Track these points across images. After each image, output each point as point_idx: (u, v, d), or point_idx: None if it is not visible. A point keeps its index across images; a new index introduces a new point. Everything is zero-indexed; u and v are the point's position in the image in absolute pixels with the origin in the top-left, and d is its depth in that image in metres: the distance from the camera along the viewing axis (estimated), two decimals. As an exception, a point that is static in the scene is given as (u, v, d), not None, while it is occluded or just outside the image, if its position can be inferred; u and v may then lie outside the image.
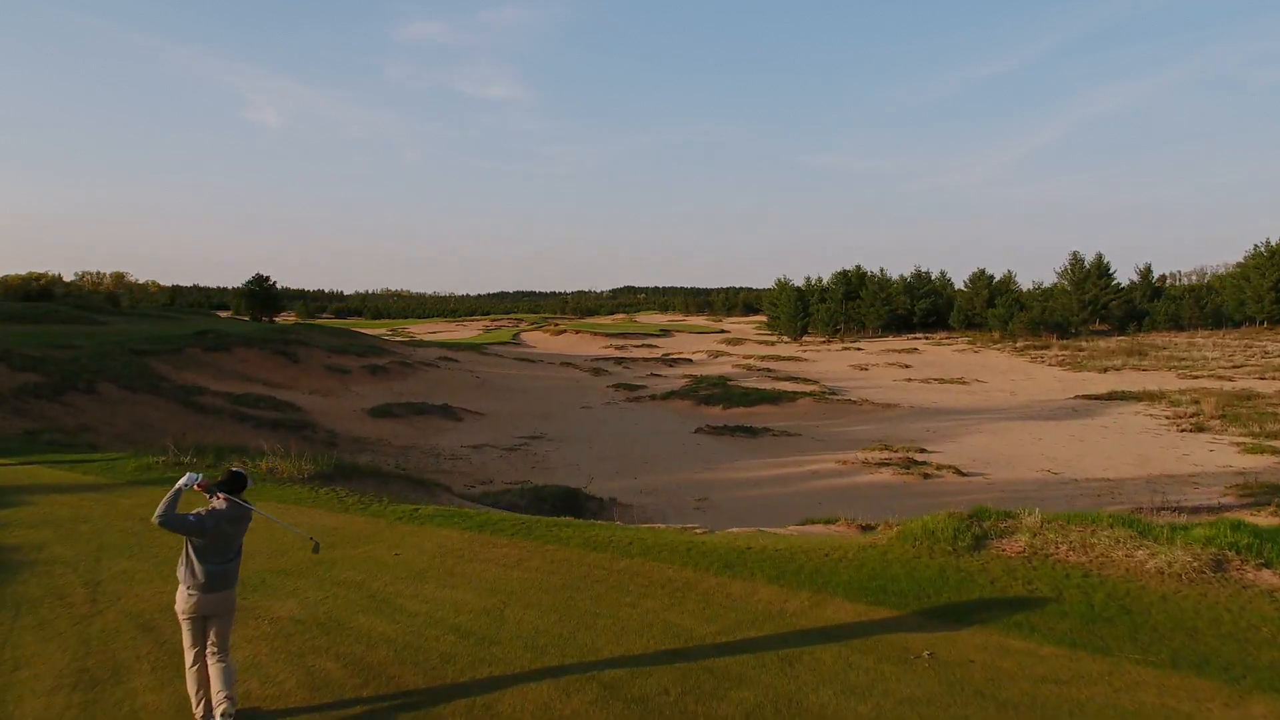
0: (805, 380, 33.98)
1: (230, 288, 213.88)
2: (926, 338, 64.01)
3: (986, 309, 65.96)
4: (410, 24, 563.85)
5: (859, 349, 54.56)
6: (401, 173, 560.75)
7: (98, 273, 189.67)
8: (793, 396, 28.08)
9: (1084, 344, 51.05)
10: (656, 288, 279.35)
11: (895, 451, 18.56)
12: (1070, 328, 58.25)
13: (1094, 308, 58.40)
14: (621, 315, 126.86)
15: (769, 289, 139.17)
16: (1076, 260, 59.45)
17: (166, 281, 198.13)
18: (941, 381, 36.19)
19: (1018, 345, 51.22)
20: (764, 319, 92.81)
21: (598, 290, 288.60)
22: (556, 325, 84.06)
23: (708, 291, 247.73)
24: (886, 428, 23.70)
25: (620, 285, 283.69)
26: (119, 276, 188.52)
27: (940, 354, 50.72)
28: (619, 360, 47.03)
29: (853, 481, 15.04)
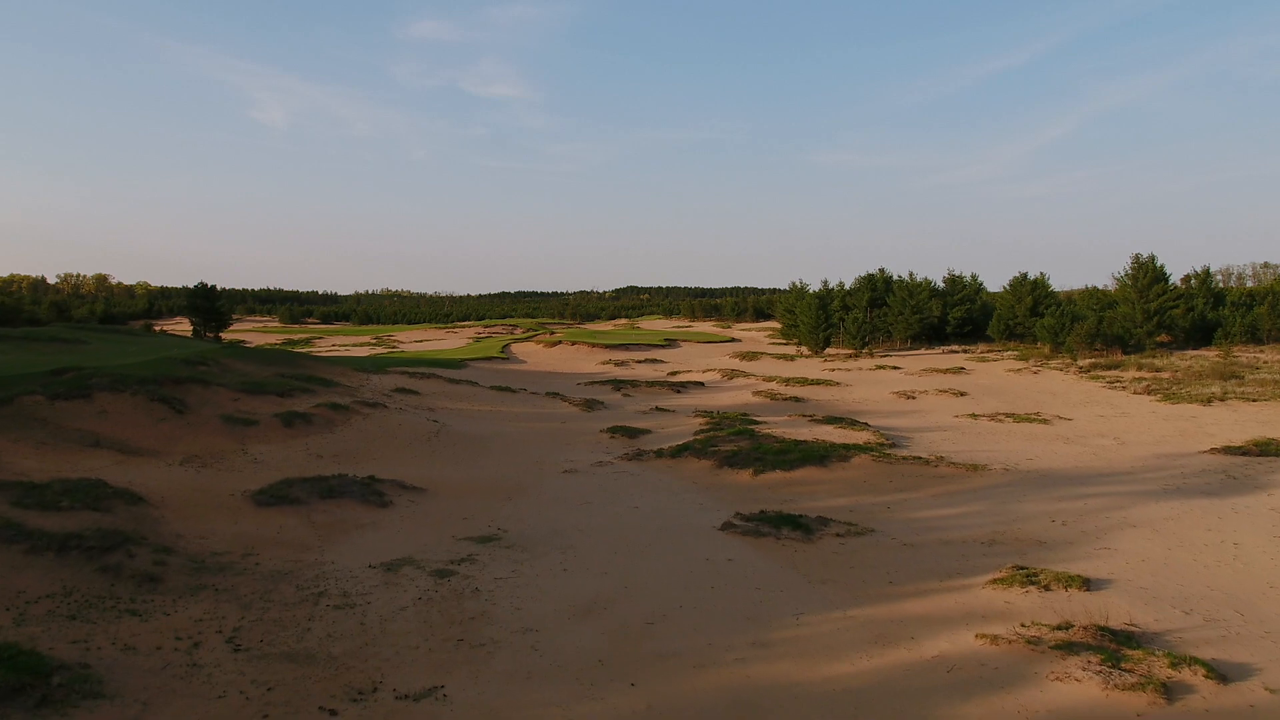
0: (850, 421, 27.04)
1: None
2: (965, 351, 57.10)
3: (1031, 318, 59.16)
4: (417, 22, 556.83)
5: (896, 368, 47.56)
6: (408, 172, 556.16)
7: (78, 274, 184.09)
8: (844, 453, 21.17)
9: (1157, 362, 44.04)
10: (660, 287, 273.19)
11: (1047, 588, 11.66)
12: (1131, 341, 51.26)
13: (1159, 318, 51.36)
14: (623, 320, 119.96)
15: (782, 291, 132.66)
16: (1140, 263, 52.38)
17: (164, 283, 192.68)
18: (1016, 419, 29.22)
19: (1081, 364, 44.21)
20: (777, 325, 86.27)
21: (600, 290, 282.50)
22: (551, 334, 77.22)
23: (713, 292, 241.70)
24: (989, 511, 16.81)
25: (623, 285, 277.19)
26: (101, 278, 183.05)
27: (993, 374, 43.73)
28: (617, 384, 40.10)
29: (1037, 710, 8.12)
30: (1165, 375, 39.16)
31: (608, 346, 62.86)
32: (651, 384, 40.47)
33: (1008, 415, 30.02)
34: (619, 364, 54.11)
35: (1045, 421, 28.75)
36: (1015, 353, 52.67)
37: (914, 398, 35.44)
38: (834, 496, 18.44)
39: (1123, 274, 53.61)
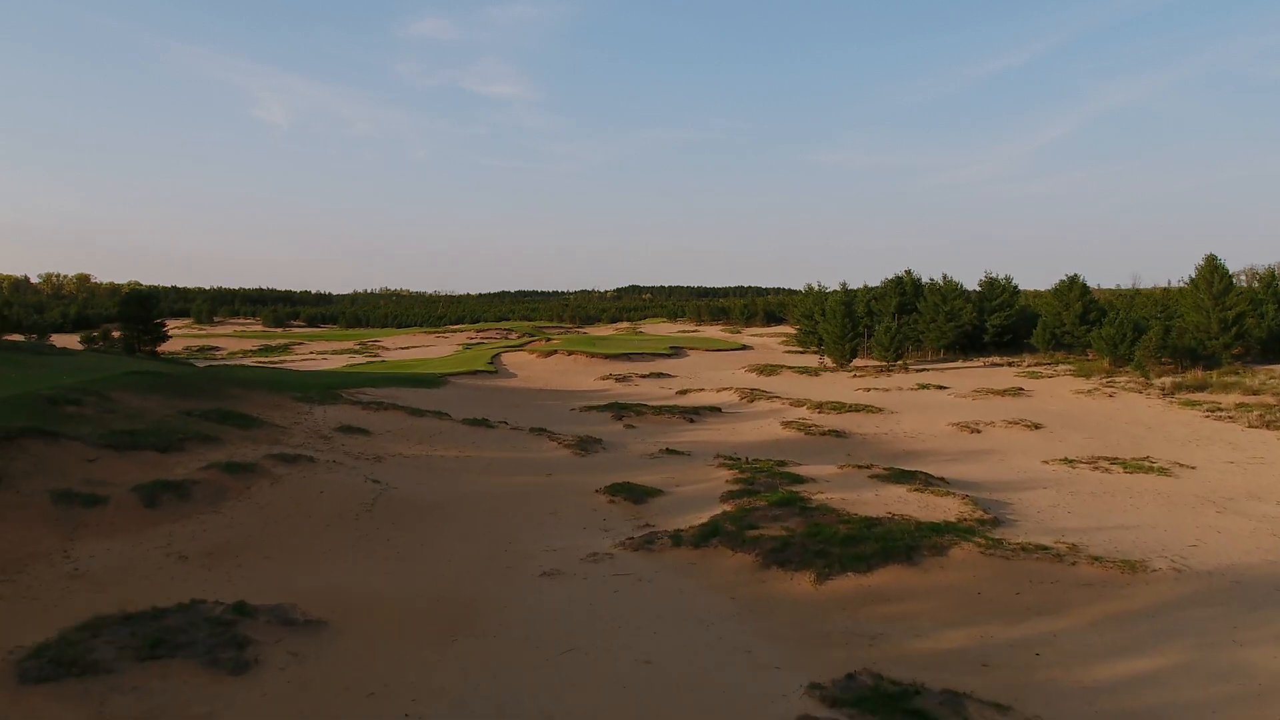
0: (924, 479, 20.82)
1: (206, 288, 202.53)
2: (1011, 364, 50.84)
3: (1080, 326, 53.02)
4: (418, 21, 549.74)
5: (942, 387, 41.29)
6: (409, 171, 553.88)
7: (59, 275, 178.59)
8: (936, 540, 15.02)
9: (1248, 381, 37.76)
10: (663, 287, 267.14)
11: None
12: (1203, 354, 45.00)
13: (1238, 329, 45.09)
14: (625, 324, 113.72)
15: (792, 292, 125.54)
16: (1213, 266, 46.10)
17: (161, 283, 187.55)
18: (1126, 467, 22.99)
19: (1163, 383, 37.96)
20: (790, 331, 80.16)
21: (601, 290, 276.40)
22: (547, 341, 71.12)
23: (717, 292, 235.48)
24: (1206, 665, 10.62)
25: (625, 284, 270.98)
26: (83, 278, 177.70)
27: (1059, 397, 37.48)
28: (618, 411, 33.95)
29: None
30: (1272, 400, 32.95)
31: (608, 357, 56.75)
32: (659, 409, 34.32)
33: (1111, 461, 23.82)
34: (620, 379, 47.98)
35: (1164, 472, 22.56)
36: (1070, 367, 46.46)
37: (979, 431, 29.23)
38: (943, 626, 12.29)
39: (1193, 277, 47.36)
